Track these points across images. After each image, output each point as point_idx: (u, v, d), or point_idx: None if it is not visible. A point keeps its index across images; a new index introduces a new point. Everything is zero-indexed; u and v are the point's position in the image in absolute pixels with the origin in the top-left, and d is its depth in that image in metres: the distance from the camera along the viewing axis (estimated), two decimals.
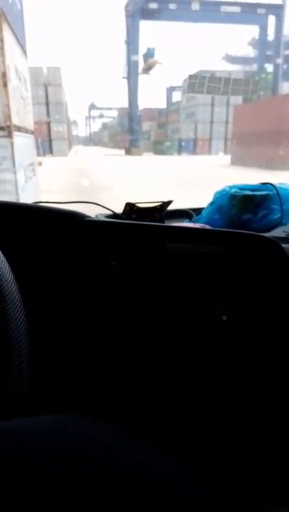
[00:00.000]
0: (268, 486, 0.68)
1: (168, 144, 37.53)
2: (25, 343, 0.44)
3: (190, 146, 35.77)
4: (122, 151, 35.86)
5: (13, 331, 0.43)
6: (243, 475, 0.66)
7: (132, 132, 32.39)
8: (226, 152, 31.60)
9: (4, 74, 5.08)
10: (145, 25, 28.62)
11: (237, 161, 20.06)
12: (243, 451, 0.67)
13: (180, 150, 35.99)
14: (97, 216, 0.95)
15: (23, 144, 5.82)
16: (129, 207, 0.95)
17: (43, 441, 0.28)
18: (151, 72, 31.18)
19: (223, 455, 0.66)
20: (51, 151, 30.34)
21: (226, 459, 0.66)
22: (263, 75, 28.79)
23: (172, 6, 27.76)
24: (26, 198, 5.31)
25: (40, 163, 10.54)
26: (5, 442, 0.28)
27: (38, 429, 0.30)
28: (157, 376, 0.69)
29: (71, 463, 0.26)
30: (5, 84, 5.11)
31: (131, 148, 32.03)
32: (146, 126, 42.64)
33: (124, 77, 30.80)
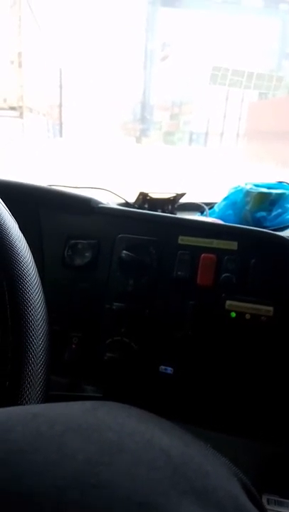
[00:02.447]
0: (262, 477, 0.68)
1: (179, 135, 37.34)
2: (42, 326, 0.43)
3: (201, 139, 35.56)
4: (132, 139, 35.66)
5: (32, 314, 0.42)
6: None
7: (143, 121, 32.18)
8: (237, 147, 31.36)
9: (20, 54, 5.04)
10: (164, 14, 28.18)
11: (248, 157, 19.91)
12: (249, 445, 0.67)
13: (191, 142, 35.81)
14: (108, 203, 0.94)
15: (34, 125, 5.80)
16: (142, 196, 0.94)
17: (77, 428, 0.28)
18: (168, 61, 30.87)
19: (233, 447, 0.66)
20: (61, 135, 30.19)
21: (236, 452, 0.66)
22: (281, 73, 28.48)
23: None
24: (33, 179, 5.30)
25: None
26: (38, 427, 0.28)
27: (70, 416, 0.30)
28: (159, 369, 0.68)
29: (105, 453, 0.26)
30: (20, 65, 5.07)
31: (141, 137, 31.85)
32: (158, 116, 42.40)
33: (139, 65, 30.52)
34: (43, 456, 0.25)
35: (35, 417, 0.29)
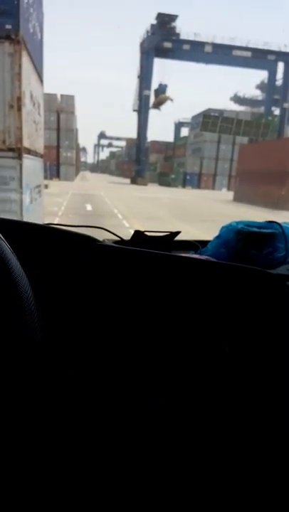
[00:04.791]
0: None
1: (173, 176, 38.19)
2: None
3: (194, 180, 36.44)
4: (128, 180, 36.48)
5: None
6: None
7: (138, 163, 33.03)
8: (228, 188, 32.18)
9: (19, 98, 5.25)
10: (158, 62, 29.66)
11: (239, 197, 20.42)
12: (243, 481, 0.66)
13: (184, 183, 36.63)
14: (104, 241, 0.97)
15: (31, 166, 5.93)
16: (138, 234, 0.97)
17: None
18: (162, 107, 32.09)
19: (225, 485, 0.65)
20: (58, 175, 30.81)
21: (226, 489, 0.65)
22: (270, 118, 29.61)
23: (186, 47, 28.94)
24: (30, 218, 5.36)
25: (46, 186, 10.72)
26: None
27: None
28: (155, 402, 0.68)
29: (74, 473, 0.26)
30: (19, 108, 5.27)
31: (137, 177, 32.58)
32: (153, 157, 43.53)
33: (134, 110, 31.71)
34: None
35: None
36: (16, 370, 0.43)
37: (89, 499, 0.61)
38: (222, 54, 28.38)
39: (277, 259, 0.91)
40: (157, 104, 31.61)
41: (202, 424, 0.66)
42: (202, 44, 28.32)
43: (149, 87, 30.09)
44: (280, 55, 29.23)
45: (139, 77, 30.40)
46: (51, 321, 0.72)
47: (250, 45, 28.62)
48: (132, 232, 0.98)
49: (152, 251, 0.77)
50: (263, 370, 0.65)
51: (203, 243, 1.06)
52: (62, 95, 31.08)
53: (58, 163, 31.55)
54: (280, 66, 29.88)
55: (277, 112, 31.73)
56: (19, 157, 5.23)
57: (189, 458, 0.66)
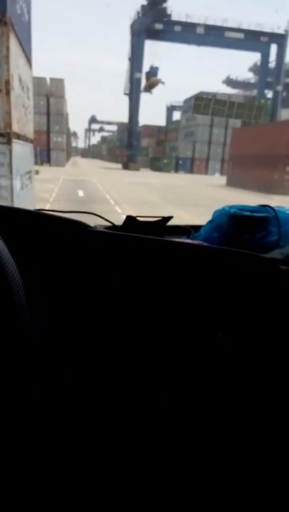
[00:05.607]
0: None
1: (165, 161, 37.91)
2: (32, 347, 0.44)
3: (187, 165, 36.24)
4: (119, 165, 36.23)
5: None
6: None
7: (130, 147, 32.73)
8: (221, 173, 32.08)
9: (7, 82, 5.13)
10: (149, 44, 29.16)
11: (232, 182, 20.39)
12: (241, 475, 0.66)
13: (177, 168, 36.41)
14: (96, 227, 0.95)
15: (21, 151, 5.84)
16: (130, 219, 0.95)
17: None
18: (153, 90, 31.67)
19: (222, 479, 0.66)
20: (49, 161, 30.45)
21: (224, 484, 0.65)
22: (263, 101, 29.38)
23: (177, 28, 28.45)
24: (21, 205, 5.30)
25: (37, 172, 10.60)
26: None
27: None
28: (151, 393, 0.68)
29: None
30: (7, 92, 5.15)
31: (129, 163, 32.32)
32: (145, 142, 43.12)
33: (125, 94, 31.28)
34: None
35: None
36: (5, 365, 0.42)
37: (89, 499, 0.61)
38: (214, 36, 27.94)
39: (270, 243, 0.90)
40: (149, 88, 31.16)
41: (202, 419, 0.66)
42: (194, 25, 27.85)
43: (140, 70, 29.63)
44: (273, 37, 28.87)
45: (130, 59, 29.90)
46: (41, 310, 0.71)
47: (243, 27, 28.24)
48: (125, 217, 0.97)
49: (144, 236, 0.76)
50: (258, 357, 0.65)
51: (196, 228, 1.05)
52: (51, 79, 30.51)
53: (49, 148, 31.14)
54: (273, 48, 29.56)
55: (270, 94, 31.49)
56: (8, 142, 5.14)
57: (190, 456, 0.67)
